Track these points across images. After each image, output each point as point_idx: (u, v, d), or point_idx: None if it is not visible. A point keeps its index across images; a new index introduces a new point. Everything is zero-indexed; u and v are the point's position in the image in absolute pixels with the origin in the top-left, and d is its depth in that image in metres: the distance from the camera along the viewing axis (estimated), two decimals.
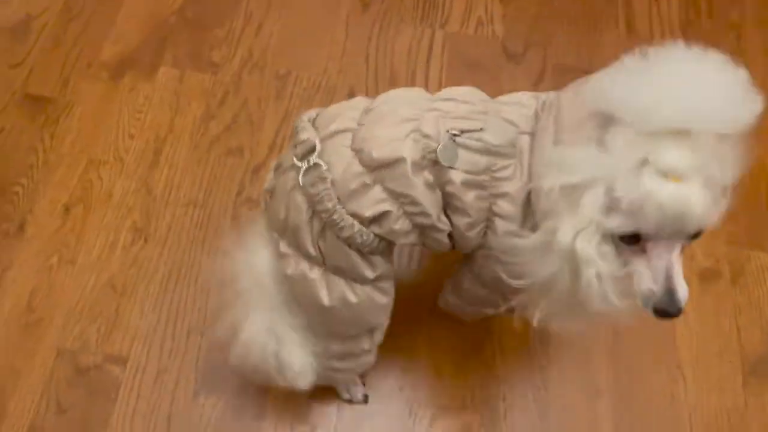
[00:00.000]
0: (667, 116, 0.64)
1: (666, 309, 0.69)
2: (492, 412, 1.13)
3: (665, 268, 0.69)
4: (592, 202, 0.68)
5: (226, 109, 1.41)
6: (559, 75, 1.48)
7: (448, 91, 0.84)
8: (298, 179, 0.79)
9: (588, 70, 0.75)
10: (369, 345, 0.95)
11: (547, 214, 0.71)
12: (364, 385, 1.12)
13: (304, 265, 0.83)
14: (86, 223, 1.26)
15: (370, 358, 0.99)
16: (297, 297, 0.87)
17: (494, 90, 0.87)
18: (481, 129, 0.78)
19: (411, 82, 1.45)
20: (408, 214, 0.79)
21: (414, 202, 0.78)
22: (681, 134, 0.64)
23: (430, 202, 0.79)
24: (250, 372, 0.94)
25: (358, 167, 0.78)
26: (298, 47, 1.49)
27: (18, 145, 1.33)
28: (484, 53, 1.51)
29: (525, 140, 0.78)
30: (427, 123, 0.78)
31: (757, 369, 1.19)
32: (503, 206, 0.78)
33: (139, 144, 1.35)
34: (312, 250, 0.81)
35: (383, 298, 0.88)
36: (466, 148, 0.78)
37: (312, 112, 0.85)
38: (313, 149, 0.79)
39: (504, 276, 0.81)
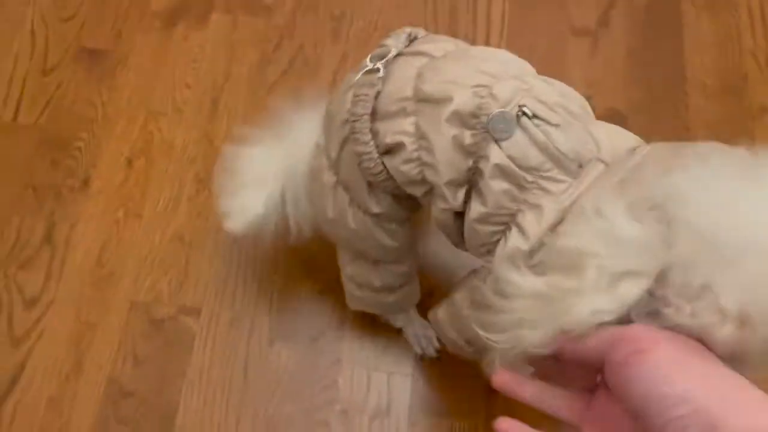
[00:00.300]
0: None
1: None
2: None
3: None
4: (631, 293, 0.50)
5: (281, 53, 1.36)
6: None
7: (551, 79, 0.72)
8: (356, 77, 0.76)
9: None
10: (379, 282, 0.90)
11: (564, 267, 0.53)
12: (439, 340, 1.06)
13: (324, 164, 0.81)
14: (150, 175, 1.24)
15: (391, 300, 0.94)
16: (309, 192, 0.86)
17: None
18: (557, 125, 0.65)
19: (473, 14, 1.37)
20: (420, 162, 0.71)
21: (429, 150, 0.69)
22: None
23: (447, 159, 0.68)
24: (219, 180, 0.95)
25: (408, 91, 0.72)
26: None
27: (76, 100, 1.31)
28: None
29: (597, 169, 0.64)
30: (504, 87, 0.66)
31: None
32: (528, 219, 0.65)
33: (196, 94, 1.32)
34: (333, 153, 0.78)
35: (388, 240, 0.83)
36: (527, 133, 0.65)
37: (421, 31, 0.81)
38: (384, 56, 0.75)
39: (473, 322, 0.64)
